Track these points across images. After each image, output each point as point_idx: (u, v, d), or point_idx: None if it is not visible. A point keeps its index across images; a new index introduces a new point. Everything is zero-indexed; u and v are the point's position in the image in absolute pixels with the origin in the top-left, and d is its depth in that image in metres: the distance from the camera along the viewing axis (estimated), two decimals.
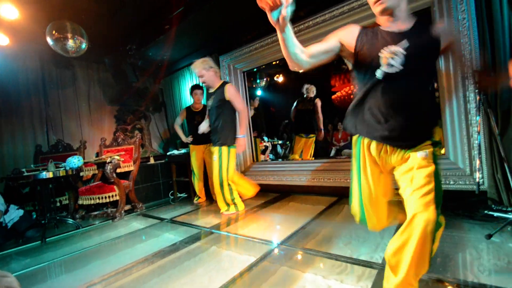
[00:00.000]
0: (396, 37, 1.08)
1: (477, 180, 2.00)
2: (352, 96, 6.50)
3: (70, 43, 3.07)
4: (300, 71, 1.23)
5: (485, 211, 2.09)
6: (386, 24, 1.13)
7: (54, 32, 2.97)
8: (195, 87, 3.64)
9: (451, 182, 2.44)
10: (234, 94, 2.72)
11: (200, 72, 2.73)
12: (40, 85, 4.20)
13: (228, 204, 2.95)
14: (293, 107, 4.53)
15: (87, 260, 2.14)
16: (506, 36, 2.11)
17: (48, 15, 3.00)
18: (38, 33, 3.21)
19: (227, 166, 2.81)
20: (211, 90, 2.81)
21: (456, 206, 2.36)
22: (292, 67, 1.15)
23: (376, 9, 1.08)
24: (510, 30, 2.09)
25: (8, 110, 3.85)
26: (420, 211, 0.98)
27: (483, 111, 2.09)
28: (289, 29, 1.01)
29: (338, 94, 6.81)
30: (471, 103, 2.33)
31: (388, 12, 1.08)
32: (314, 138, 4.40)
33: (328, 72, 6.81)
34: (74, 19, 3.08)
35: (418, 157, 1.09)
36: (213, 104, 2.76)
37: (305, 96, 4.45)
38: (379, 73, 1.08)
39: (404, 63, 1.04)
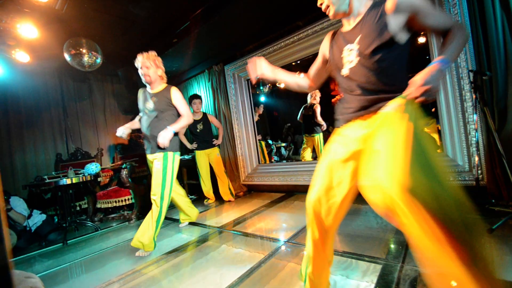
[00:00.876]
0: (348, 36, 1.04)
1: (476, 175, 1.95)
2: None
3: (86, 58, 3.14)
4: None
5: (486, 206, 2.04)
6: (344, 24, 1.09)
7: (70, 48, 3.04)
8: (194, 97, 3.65)
9: (451, 179, 2.38)
10: (180, 98, 2.29)
11: (147, 64, 2.20)
12: (59, 98, 4.29)
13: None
14: (300, 112, 4.82)
15: (105, 260, 2.15)
16: (499, 35, 2.07)
17: (65, 34, 3.07)
18: (56, 50, 3.28)
19: (171, 175, 2.24)
20: (152, 90, 2.28)
21: None
22: (305, 92, 1.33)
23: (329, 15, 1.06)
24: (503, 29, 2.06)
25: (30, 122, 3.94)
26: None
27: (480, 109, 2.04)
28: (281, 76, 1.29)
29: (337, 97, 6.78)
30: (468, 102, 2.29)
31: (341, 15, 1.04)
32: (317, 136, 4.56)
33: (327, 77, 6.78)
34: (89, 36, 3.15)
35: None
36: (156, 108, 2.22)
37: (308, 102, 4.67)
38: (344, 73, 1.05)
39: (359, 54, 0.99)
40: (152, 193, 2.15)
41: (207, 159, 3.68)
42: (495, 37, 2.08)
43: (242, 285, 1.48)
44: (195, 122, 3.67)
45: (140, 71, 2.22)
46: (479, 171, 2.20)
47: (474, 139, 2.08)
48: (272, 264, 1.69)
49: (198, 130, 3.65)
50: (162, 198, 2.14)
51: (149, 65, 2.21)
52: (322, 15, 3.08)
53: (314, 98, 4.59)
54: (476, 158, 1.98)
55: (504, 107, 2.08)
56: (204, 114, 3.74)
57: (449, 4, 2.31)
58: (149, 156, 2.27)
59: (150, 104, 2.23)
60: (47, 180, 2.89)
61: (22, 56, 3.10)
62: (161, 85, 2.30)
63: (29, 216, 2.92)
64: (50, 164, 4.04)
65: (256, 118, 4.72)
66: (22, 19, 2.74)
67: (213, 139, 3.71)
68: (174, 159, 2.25)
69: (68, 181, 2.80)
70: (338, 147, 1.07)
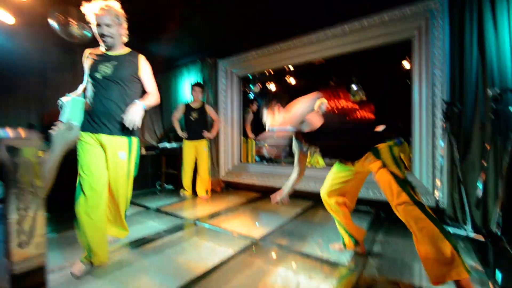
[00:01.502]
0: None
1: (436, 197, 2.13)
2: (337, 111, 6.68)
3: (75, 29, 3.00)
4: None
5: None
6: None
7: (59, 16, 2.89)
8: (196, 85, 3.61)
9: None
10: (150, 72, 1.78)
11: (109, 20, 1.60)
12: (41, 66, 4.05)
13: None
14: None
15: (64, 243, 2.08)
16: (473, 73, 2.26)
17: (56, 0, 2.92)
18: (44, 16, 3.11)
19: (133, 171, 1.79)
20: (111, 53, 1.69)
21: None
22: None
23: None
24: (477, 67, 2.25)
25: (4, 87, 3.69)
26: None
27: (447, 137, 2.23)
28: (291, 185, 2.02)
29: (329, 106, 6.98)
30: (438, 128, 2.48)
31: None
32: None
33: (316, 87, 6.97)
34: (81, 5, 3.01)
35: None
36: (116, 74, 1.63)
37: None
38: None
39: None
40: (113, 194, 1.70)
41: (194, 150, 3.61)
42: (469, 73, 2.27)
43: (209, 277, 1.52)
44: (191, 110, 3.57)
45: (96, 29, 1.59)
46: (440, 194, 2.39)
47: (439, 164, 2.26)
48: (241, 260, 1.74)
49: (192, 119, 3.52)
50: (128, 202, 1.82)
51: (111, 22, 1.60)
52: (319, 26, 3.19)
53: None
54: (438, 182, 2.16)
55: (468, 139, 2.28)
56: (203, 104, 3.63)
57: (434, 37, 2.49)
58: (99, 138, 1.59)
59: (108, 69, 1.62)
60: None
61: (6, 17, 2.91)
62: (123, 49, 1.73)
63: None
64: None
65: (250, 116, 4.76)
66: None
67: (203, 131, 3.57)
68: (139, 148, 1.78)
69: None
70: None
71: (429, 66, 2.53)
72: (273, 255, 1.83)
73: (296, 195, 3.48)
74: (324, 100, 1.59)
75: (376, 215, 2.68)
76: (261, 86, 6.56)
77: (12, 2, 2.79)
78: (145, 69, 1.75)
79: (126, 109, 1.61)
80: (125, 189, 1.73)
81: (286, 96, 6.50)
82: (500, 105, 1.94)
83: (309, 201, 3.29)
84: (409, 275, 1.54)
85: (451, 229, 2.13)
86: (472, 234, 1.92)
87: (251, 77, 5.67)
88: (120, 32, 1.67)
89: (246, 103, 4.67)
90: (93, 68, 1.63)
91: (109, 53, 1.69)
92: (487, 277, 1.50)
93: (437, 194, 2.15)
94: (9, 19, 2.96)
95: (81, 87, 1.80)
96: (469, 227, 1.98)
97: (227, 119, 4.24)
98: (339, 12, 3.01)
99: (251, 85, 6.33)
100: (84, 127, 1.60)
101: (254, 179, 3.89)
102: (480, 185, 1.75)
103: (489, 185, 2.13)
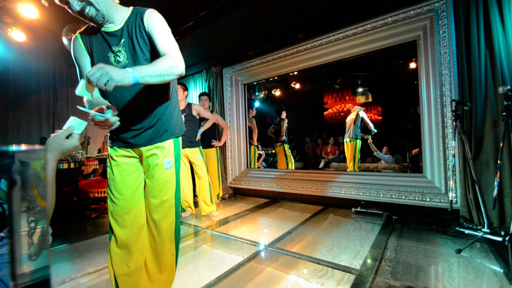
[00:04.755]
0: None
1: (450, 198, 2.07)
2: (342, 114, 6.64)
3: None
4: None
5: (457, 228, 2.15)
6: None
7: (70, 33, 3.00)
8: (203, 94, 3.63)
9: (427, 199, 2.50)
10: (160, 24, 1.11)
11: None
12: (50, 82, 4.19)
13: None
14: (271, 127, 5.33)
15: (83, 250, 2.10)
16: (482, 70, 2.22)
17: (65, 17, 3.04)
18: (54, 33, 3.23)
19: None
20: (113, 27, 1.10)
21: (430, 222, 2.42)
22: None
23: None
24: (485, 65, 2.21)
25: (16, 103, 3.82)
26: None
27: (458, 137, 2.18)
28: None
29: (330, 111, 6.96)
30: (448, 129, 2.43)
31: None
32: (286, 145, 5.05)
33: (321, 90, 6.97)
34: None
35: None
36: (136, 58, 1.12)
37: (278, 119, 5.19)
38: None
39: None
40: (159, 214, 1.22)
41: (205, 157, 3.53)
42: (478, 71, 2.23)
43: (218, 285, 1.50)
44: (200, 119, 3.57)
45: (71, 9, 1.00)
46: (454, 195, 2.32)
47: (451, 164, 2.21)
48: (250, 267, 1.71)
49: (199, 127, 3.53)
50: (178, 221, 1.29)
51: None
52: (322, 31, 3.20)
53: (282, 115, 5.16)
54: (451, 182, 2.10)
55: (480, 137, 2.22)
56: (211, 113, 3.56)
57: (440, 36, 2.46)
58: (138, 152, 1.22)
59: (121, 54, 1.11)
60: None
61: (18, 35, 3.04)
62: (123, 11, 1.13)
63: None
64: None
65: (254, 122, 4.80)
66: None
67: (212, 140, 3.54)
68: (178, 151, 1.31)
69: None
70: None
71: (436, 66, 2.50)
72: (284, 261, 1.80)
73: (306, 200, 3.45)
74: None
75: (388, 218, 2.62)
76: (266, 93, 6.59)
77: (22, 20, 2.91)
78: (152, 23, 1.09)
79: (160, 104, 1.17)
80: (174, 211, 1.26)
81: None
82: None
83: (319, 205, 3.25)
84: (424, 279, 1.48)
85: (466, 231, 2.06)
86: (489, 235, 1.85)
87: (255, 84, 5.71)
88: None
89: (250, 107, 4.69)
90: (102, 61, 1.09)
91: (110, 28, 1.10)
92: (508, 279, 1.43)
93: (451, 195, 2.08)
94: (21, 37, 3.07)
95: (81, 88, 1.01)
96: (485, 227, 1.91)
97: (233, 126, 4.26)
98: (342, 17, 3.02)
99: (256, 93, 6.37)
100: (121, 142, 1.20)
101: (262, 185, 3.87)
102: (495, 184, 1.69)
103: (504, 184, 2.06)
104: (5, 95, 3.71)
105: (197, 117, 3.08)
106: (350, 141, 4.54)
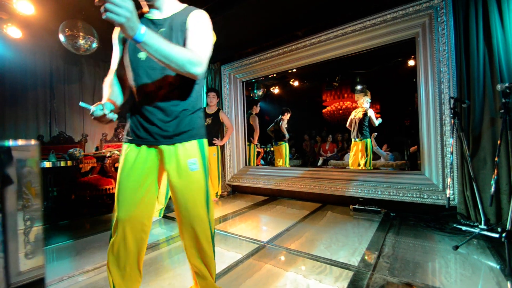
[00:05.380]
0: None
1: (447, 196, 2.08)
2: (341, 112, 6.64)
3: (81, 41, 3.07)
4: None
5: (454, 225, 2.17)
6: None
7: (66, 30, 2.97)
8: (210, 90, 3.59)
9: (425, 196, 2.52)
10: (200, 23, 1.04)
11: None
12: (47, 79, 4.15)
13: None
14: (271, 126, 5.45)
15: (81, 248, 2.10)
16: (480, 68, 2.22)
17: (62, 14, 3.00)
18: (50, 30, 3.20)
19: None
20: (158, 15, 1.08)
21: (428, 219, 2.44)
22: None
23: None
24: (484, 63, 2.21)
25: (13, 100, 3.79)
26: None
27: (456, 134, 2.18)
28: None
29: (328, 108, 6.96)
30: (446, 126, 2.43)
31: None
32: (285, 145, 5.19)
33: (320, 88, 6.96)
34: (87, 19, 3.08)
35: None
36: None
37: (279, 118, 5.33)
38: None
39: None
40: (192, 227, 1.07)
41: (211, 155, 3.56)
42: (476, 69, 2.24)
43: (218, 282, 1.50)
44: (206, 116, 3.52)
45: None
46: (451, 192, 2.34)
47: (449, 161, 2.22)
48: (249, 264, 1.72)
49: (206, 124, 3.49)
50: (210, 226, 1.12)
51: None
52: (321, 28, 3.18)
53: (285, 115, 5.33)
54: (449, 180, 2.11)
55: (478, 135, 2.23)
56: (218, 110, 3.58)
57: (438, 34, 2.46)
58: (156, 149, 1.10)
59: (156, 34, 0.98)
60: None
61: (14, 32, 3.00)
62: (175, 5, 1.11)
63: None
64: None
65: (256, 120, 4.79)
66: None
67: (214, 138, 3.52)
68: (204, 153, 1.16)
69: (48, 165, 2.71)
70: None
71: (435, 64, 2.50)
72: (282, 258, 1.81)
73: (304, 198, 3.46)
74: None
75: (386, 215, 2.63)
76: (265, 90, 6.57)
77: (18, 16, 2.87)
78: (193, 21, 1.03)
79: (188, 102, 1.08)
80: (206, 217, 1.10)
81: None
82: (510, 99, 1.90)
83: (318, 203, 3.26)
84: (421, 275, 1.49)
85: (463, 228, 2.08)
86: (486, 232, 1.86)
87: (254, 81, 5.69)
88: None
89: (249, 105, 4.67)
90: (132, 47, 1.04)
91: (154, 16, 1.07)
92: (504, 274, 1.45)
93: (448, 192, 2.10)
94: (16, 33, 3.04)
95: (108, 82, 1.14)
96: (482, 224, 1.92)
97: (231, 123, 4.25)
98: (341, 14, 3.01)
99: (255, 90, 6.35)
100: (139, 138, 1.08)
101: (261, 183, 3.87)
102: (492, 182, 1.70)
103: (502, 182, 2.07)
104: (2, 92, 3.68)
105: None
106: (360, 140, 4.46)
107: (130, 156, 1.08)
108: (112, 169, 3.32)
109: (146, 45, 0.80)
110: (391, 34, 2.75)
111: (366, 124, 4.45)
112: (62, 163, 2.82)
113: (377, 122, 4.48)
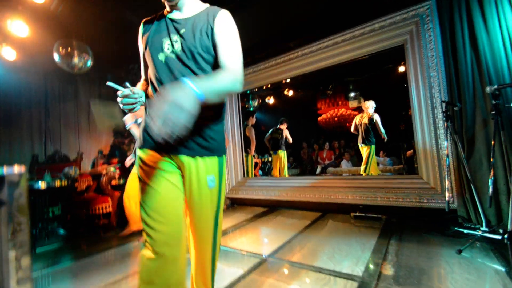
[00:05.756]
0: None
1: (447, 199, 2.08)
2: (336, 119, 6.70)
3: (76, 60, 3.10)
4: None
5: (456, 228, 2.15)
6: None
7: (61, 49, 3.00)
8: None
9: (424, 201, 2.51)
10: (230, 31, 1.02)
11: None
12: (42, 98, 4.15)
13: None
14: (268, 134, 5.38)
15: (77, 272, 2.03)
16: (469, 71, 2.28)
17: (56, 34, 3.04)
18: (45, 49, 3.22)
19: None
20: (179, 15, 1.02)
21: (429, 223, 2.42)
22: None
23: None
24: (472, 66, 2.27)
25: (8, 120, 3.77)
26: None
27: (451, 137, 2.21)
28: None
29: (324, 116, 7.02)
30: (440, 129, 2.46)
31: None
32: (284, 152, 5.17)
33: (314, 96, 7.04)
34: (81, 38, 3.13)
35: None
36: (188, 50, 0.97)
37: (277, 126, 5.28)
38: None
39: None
40: (198, 239, 1.04)
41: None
42: (465, 72, 2.29)
43: None
44: None
45: None
46: (450, 195, 2.33)
47: (445, 164, 2.23)
48: (251, 280, 1.68)
49: None
50: (215, 245, 1.07)
51: None
52: (312, 39, 3.26)
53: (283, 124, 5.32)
54: (447, 182, 2.11)
55: (472, 137, 2.26)
56: None
57: (426, 40, 2.53)
58: (178, 160, 0.99)
59: (175, 43, 0.98)
60: None
61: (8, 53, 3.02)
62: (197, 5, 1.05)
63: None
64: (26, 165, 3.84)
65: (252, 131, 4.81)
66: (14, 15, 2.69)
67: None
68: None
69: (43, 186, 2.67)
70: None
71: (424, 69, 2.56)
72: (285, 271, 1.77)
73: (304, 207, 3.43)
74: None
75: (387, 221, 2.61)
76: (260, 101, 6.63)
77: (12, 38, 2.90)
78: (221, 28, 0.99)
79: (212, 112, 1.03)
80: (212, 235, 1.05)
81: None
82: (500, 101, 1.93)
83: (318, 212, 3.22)
84: (427, 282, 1.47)
85: (465, 231, 2.06)
86: (487, 234, 1.85)
87: (249, 92, 5.74)
88: None
89: (245, 116, 4.70)
90: (153, 46, 0.99)
91: (175, 16, 1.02)
92: (509, 277, 1.43)
93: (447, 195, 2.09)
94: (11, 54, 3.06)
95: (140, 86, 1.13)
96: (483, 226, 1.91)
97: (228, 135, 4.25)
98: (331, 24, 3.09)
99: (250, 102, 6.41)
100: (156, 144, 0.97)
101: (260, 194, 3.84)
102: (490, 183, 1.70)
103: (499, 182, 2.08)
104: None
105: None
106: (366, 145, 4.38)
107: (154, 163, 0.97)
108: (109, 186, 3.27)
109: (207, 98, 0.78)
110: (380, 42, 2.82)
111: (371, 129, 4.38)
112: (57, 183, 2.78)
113: (383, 130, 4.39)
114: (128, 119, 2.04)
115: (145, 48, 1.01)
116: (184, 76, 0.93)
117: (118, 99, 0.92)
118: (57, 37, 3.01)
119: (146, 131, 1.00)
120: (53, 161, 3.88)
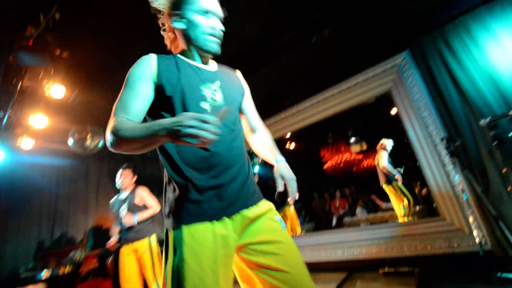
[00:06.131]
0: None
1: (477, 240, 1.91)
2: (341, 165, 6.68)
3: (88, 142, 3.31)
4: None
5: (498, 274, 1.91)
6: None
7: (76, 134, 3.24)
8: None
9: (455, 245, 2.30)
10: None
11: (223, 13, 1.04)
12: (53, 181, 4.27)
13: None
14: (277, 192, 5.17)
15: None
16: (458, 107, 2.38)
17: (72, 122, 3.32)
18: (60, 136, 3.47)
19: None
20: (205, 66, 1.03)
21: (467, 269, 2.16)
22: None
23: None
24: (460, 102, 2.38)
25: (18, 208, 3.80)
26: None
27: (462, 173, 2.16)
28: None
29: (329, 164, 7.02)
30: (448, 166, 2.42)
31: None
32: (289, 208, 4.92)
33: (316, 146, 7.19)
34: (95, 122, 3.39)
35: None
36: (230, 104, 1.00)
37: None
38: None
39: None
40: None
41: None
42: (454, 109, 2.39)
43: None
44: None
45: (203, 22, 0.95)
46: (480, 234, 2.15)
47: (463, 200, 2.12)
48: None
49: None
50: None
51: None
52: (306, 95, 3.53)
53: None
54: (471, 219, 1.97)
55: (482, 169, 2.21)
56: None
57: (409, 86, 2.71)
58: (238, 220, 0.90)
59: (216, 93, 0.95)
60: (22, 275, 2.61)
61: (26, 143, 3.24)
62: (210, 60, 1.06)
63: None
64: (31, 253, 3.70)
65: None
66: (36, 110, 2.98)
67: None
68: None
69: (45, 275, 2.53)
70: None
71: (416, 111, 2.66)
72: None
73: (326, 268, 3.12)
74: None
75: (420, 274, 2.34)
76: None
77: (32, 129, 3.13)
78: (246, 86, 1.14)
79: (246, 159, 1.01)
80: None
81: None
82: (498, 130, 1.96)
83: (343, 272, 2.92)
84: None
85: (510, 275, 1.82)
86: None
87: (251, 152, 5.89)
88: None
89: None
90: (192, 93, 0.90)
91: (199, 65, 0.99)
92: None
93: (476, 235, 1.93)
94: (28, 144, 3.27)
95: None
96: None
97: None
98: (319, 83, 3.39)
99: (254, 159, 6.52)
100: (208, 211, 0.85)
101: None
102: None
103: None
104: (8, 202, 3.72)
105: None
106: (387, 186, 4.16)
107: (203, 242, 0.81)
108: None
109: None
110: (367, 92, 3.03)
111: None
112: (61, 271, 2.64)
113: (384, 163, 4.18)
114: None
115: (172, 92, 0.88)
116: (227, 128, 0.91)
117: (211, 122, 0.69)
118: (72, 124, 3.29)
119: (200, 201, 0.84)
120: (58, 245, 3.76)
